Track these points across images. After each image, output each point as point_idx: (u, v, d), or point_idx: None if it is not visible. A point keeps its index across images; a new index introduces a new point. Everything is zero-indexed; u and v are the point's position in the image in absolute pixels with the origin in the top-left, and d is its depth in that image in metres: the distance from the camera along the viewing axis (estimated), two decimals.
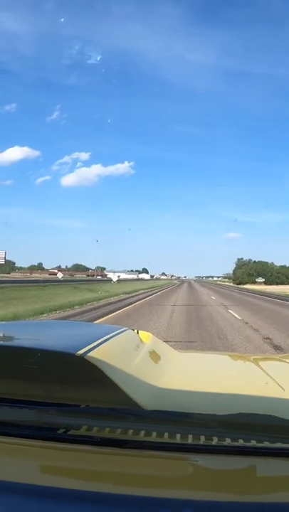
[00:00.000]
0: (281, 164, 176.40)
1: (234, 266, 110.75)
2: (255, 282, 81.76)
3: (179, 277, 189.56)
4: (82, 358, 0.71)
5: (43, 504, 0.54)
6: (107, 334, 0.93)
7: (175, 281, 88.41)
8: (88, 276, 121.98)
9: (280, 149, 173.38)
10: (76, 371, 0.73)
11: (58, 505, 0.53)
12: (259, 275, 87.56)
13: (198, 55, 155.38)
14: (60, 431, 0.69)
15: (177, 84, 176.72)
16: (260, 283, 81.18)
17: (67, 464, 0.65)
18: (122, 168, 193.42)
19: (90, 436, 0.68)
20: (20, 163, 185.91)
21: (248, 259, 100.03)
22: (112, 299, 19.28)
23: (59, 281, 35.86)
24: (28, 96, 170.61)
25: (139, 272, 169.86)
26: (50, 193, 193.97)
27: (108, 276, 39.59)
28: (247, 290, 47.11)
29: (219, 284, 77.88)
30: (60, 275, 38.14)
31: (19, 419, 0.71)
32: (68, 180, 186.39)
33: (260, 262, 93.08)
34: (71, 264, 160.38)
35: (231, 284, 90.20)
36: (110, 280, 39.84)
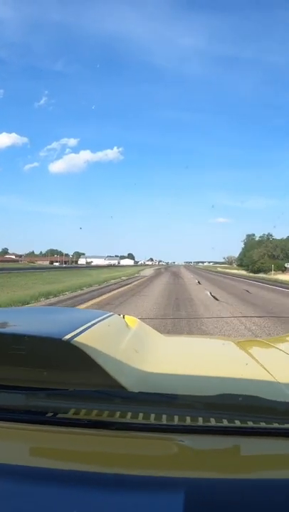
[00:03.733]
0: (269, 150, 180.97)
1: (241, 247, 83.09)
2: (284, 269, 52.25)
3: (167, 263, 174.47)
4: (68, 342, 0.71)
5: (33, 485, 0.54)
6: (93, 319, 0.93)
7: (145, 273, 38.49)
8: (52, 263, 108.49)
9: (269, 135, 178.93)
10: (63, 356, 0.74)
11: (47, 485, 0.54)
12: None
13: (189, 40, 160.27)
14: (49, 414, 0.70)
15: (166, 69, 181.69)
16: None
17: (56, 446, 0.66)
18: (111, 153, 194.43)
19: (78, 419, 0.69)
20: (8, 150, 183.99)
21: (265, 233, 71.55)
22: None
23: None
24: (15, 82, 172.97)
25: (121, 258, 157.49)
26: (38, 180, 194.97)
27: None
28: None
29: (225, 274, 49.23)
30: None
31: (8, 404, 0.71)
32: (56, 166, 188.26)
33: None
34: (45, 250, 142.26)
35: (243, 272, 61.72)
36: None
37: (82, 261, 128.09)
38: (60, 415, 0.70)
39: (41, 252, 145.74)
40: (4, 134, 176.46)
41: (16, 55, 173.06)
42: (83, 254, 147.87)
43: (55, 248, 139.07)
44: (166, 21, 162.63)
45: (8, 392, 0.72)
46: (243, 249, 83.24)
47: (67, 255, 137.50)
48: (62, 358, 0.74)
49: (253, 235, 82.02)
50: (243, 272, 60.16)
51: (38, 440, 0.67)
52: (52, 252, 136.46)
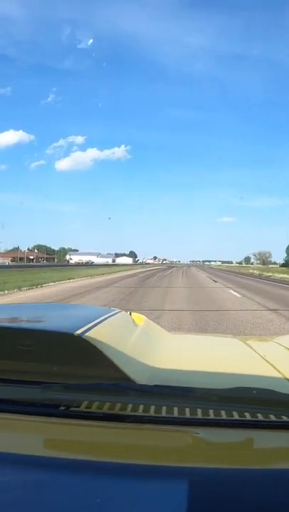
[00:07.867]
0: (277, 148, 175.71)
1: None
2: None
3: (172, 262, 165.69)
4: (79, 337, 0.73)
5: (48, 475, 0.55)
6: (102, 315, 0.96)
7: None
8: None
9: (276, 133, 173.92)
10: (74, 350, 0.76)
11: (60, 474, 0.55)
12: None
13: (196, 37, 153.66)
14: (62, 408, 0.70)
15: (174, 67, 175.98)
16: None
17: (69, 438, 0.67)
18: (119, 152, 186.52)
19: (91, 412, 0.69)
20: (15, 148, 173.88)
21: None
22: None
23: None
24: (23, 79, 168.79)
25: (118, 256, 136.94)
26: (45, 178, 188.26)
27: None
28: None
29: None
30: None
31: (21, 397, 0.72)
32: (63, 164, 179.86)
33: None
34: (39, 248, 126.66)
35: None
36: None
37: (75, 258, 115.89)
38: (72, 408, 0.70)
39: (28, 249, 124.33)
40: (11, 131, 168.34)
41: (24, 53, 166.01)
42: (76, 250, 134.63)
43: (43, 244, 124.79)
44: (174, 19, 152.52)
45: (21, 386, 0.73)
46: None
47: (58, 252, 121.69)
48: (73, 352, 0.75)
49: None
50: None
51: (52, 432, 0.68)
52: (39, 248, 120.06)
